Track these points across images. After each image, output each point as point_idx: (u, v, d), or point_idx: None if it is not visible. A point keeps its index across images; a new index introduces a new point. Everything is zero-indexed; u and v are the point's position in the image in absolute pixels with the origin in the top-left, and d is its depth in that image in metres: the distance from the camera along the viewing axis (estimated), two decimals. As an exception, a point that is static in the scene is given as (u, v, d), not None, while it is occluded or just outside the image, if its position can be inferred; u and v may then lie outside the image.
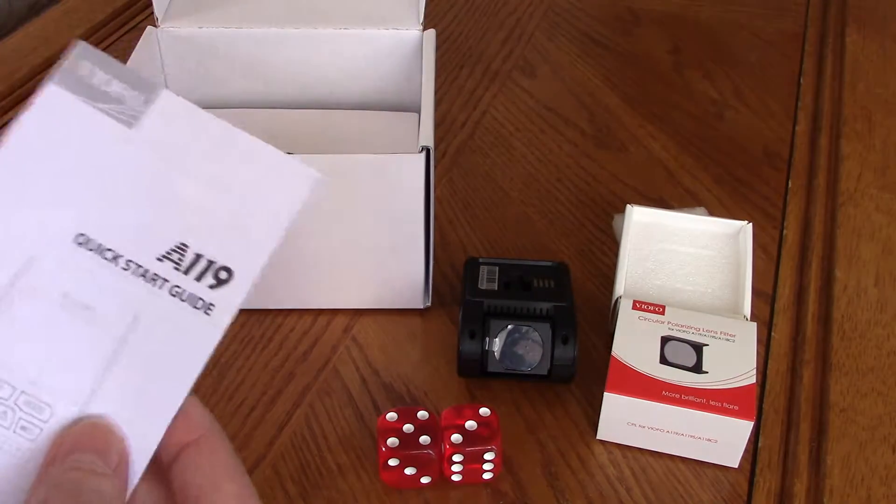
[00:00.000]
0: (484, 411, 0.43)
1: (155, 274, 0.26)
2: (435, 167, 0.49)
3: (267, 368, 0.50)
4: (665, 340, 0.46)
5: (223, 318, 0.27)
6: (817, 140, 0.68)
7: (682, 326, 0.47)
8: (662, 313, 0.47)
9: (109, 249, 0.26)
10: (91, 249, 0.26)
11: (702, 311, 0.48)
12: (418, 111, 0.52)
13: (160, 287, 0.26)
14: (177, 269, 0.27)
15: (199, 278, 0.27)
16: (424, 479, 0.43)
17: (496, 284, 0.49)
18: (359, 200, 0.48)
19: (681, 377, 0.44)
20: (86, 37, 0.77)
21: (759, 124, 0.69)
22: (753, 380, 0.45)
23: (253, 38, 0.57)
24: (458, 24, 0.81)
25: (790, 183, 0.64)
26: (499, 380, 0.49)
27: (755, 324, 0.47)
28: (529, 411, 0.48)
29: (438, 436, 0.42)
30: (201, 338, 0.26)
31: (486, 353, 0.47)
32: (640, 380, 0.44)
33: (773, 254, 0.58)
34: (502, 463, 0.44)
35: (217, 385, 0.49)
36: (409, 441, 0.42)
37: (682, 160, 0.66)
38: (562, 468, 0.45)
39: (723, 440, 0.44)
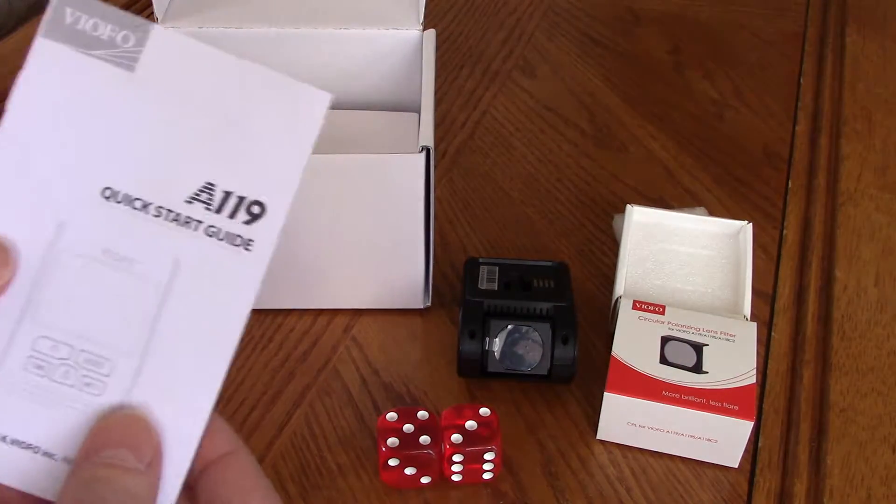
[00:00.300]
0: (484, 411, 0.43)
1: (188, 217, 0.26)
2: (435, 167, 0.49)
3: (267, 368, 0.50)
4: (665, 340, 0.46)
5: (264, 252, 0.26)
6: (817, 140, 0.68)
7: (682, 326, 0.47)
8: (662, 313, 0.47)
9: (138, 199, 0.26)
10: (120, 201, 0.26)
11: (702, 311, 0.48)
12: (418, 111, 0.52)
13: (195, 229, 0.26)
14: (208, 209, 0.26)
15: (232, 215, 0.26)
16: (424, 479, 0.43)
17: (496, 284, 0.49)
18: (359, 200, 0.48)
19: (681, 377, 0.44)
20: (86, 37, 0.77)
21: (759, 124, 0.69)
22: (753, 380, 0.45)
23: (253, 38, 0.56)
24: (458, 24, 0.81)
25: (790, 183, 0.64)
26: (499, 380, 0.49)
27: (755, 324, 0.47)
28: (529, 411, 0.48)
29: (438, 436, 0.42)
30: (246, 274, 0.26)
31: (486, 353, 0.47)
32: (640, 380, 0.44)
33: (773, 254, 0.58)
34: (502, 463, 0.44)
35: (217, 385, 0.49)
36: (409, 441, 0.42)
37: (682, 160, 0.66)
38: (562, 468, 0.45)
39: (723, 440, 0.44)
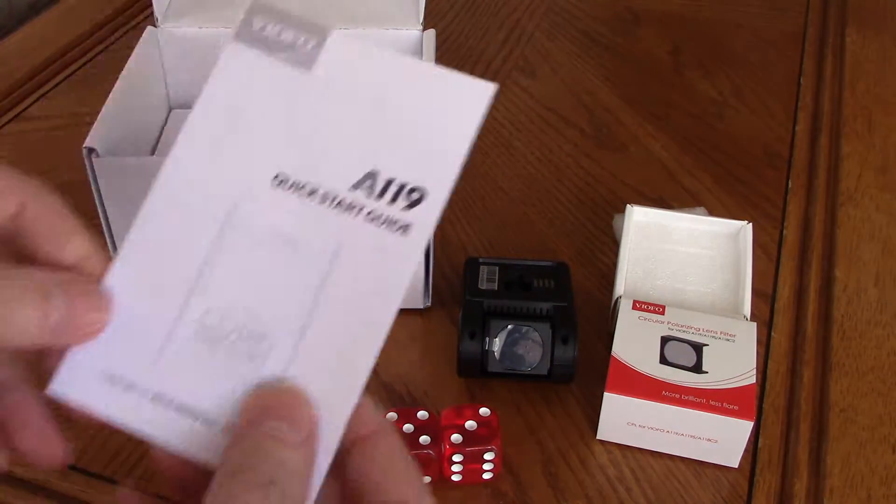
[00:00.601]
0: (484, 411, 0.43)
1: (351, 203, 0.27)
2: (435, 167, 0.49)
3: (267, 368, 0.50)
4: (665, 340, 0.46)
5: (421, 235, 0.27)
6: (817, 140, 0.68)
7: (682, 326, 0.47)
8: (662, 313, 0.47)
9: (306, 185, 0.28)
10: (289, 187, 0.28)
11: (702, 311, 0.48)
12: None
13: (357, 215, 0.27)
14: (371, 195, 0.27)
15: (392, 201, 0.27)
16: (424, 479, 0.43)
17: (496, 284, 0.49)
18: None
19: (681, 377, 0.44)
20: (86, 36, 0.77)
21: (759, 124, 0.69)
22: (753, 380, 0.45)
23: (253, 38, 0.56)
24: (458, 24, 0.81)
25: (790, 183, 0.64)
26: (499, 380, 0.49)
27: (755, 324, 0.47)
28: (529, 411, 0.48)
29: (438, 436, 0.42)
30: (403, 256, 0.27)
31: (486, 353, 0.47)
32: (640, 380, 0.44)
33: (773, 254, 0.58)
34: (502, 463, 0.44)
35: (217, 385, 0.49)
36: (409, 441, 0.42)
37: (682, 160, 0.66)
38: (562, 468, 0.45)
39: (723, 440, 0.44)
